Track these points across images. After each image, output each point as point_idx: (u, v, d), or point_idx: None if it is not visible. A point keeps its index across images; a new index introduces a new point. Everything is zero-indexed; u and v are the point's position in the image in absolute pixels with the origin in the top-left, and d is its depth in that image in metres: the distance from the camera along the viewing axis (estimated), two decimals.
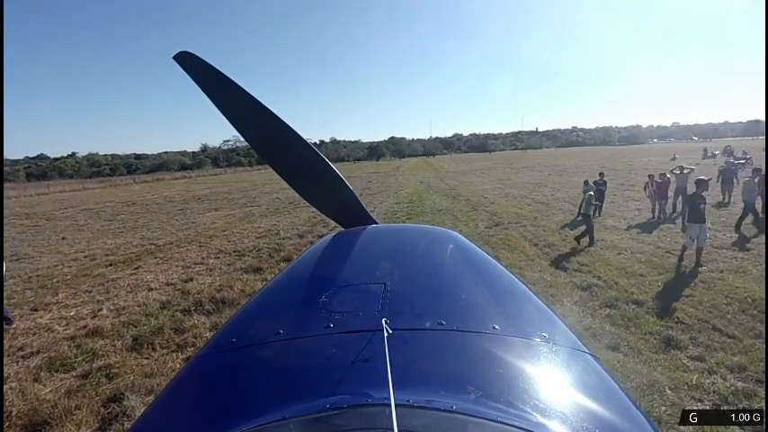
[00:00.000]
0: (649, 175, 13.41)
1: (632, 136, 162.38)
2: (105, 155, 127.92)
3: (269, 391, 0.95)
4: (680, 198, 12.27)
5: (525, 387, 0.89)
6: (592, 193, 10.59)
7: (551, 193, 19.86)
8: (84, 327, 6.40)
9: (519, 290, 1.52)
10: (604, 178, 14.35)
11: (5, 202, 33.07)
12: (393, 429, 0.64)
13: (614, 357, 4.68)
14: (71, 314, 7.08)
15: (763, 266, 7.33)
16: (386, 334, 1.00)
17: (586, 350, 1.14)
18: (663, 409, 3.78)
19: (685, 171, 12.47)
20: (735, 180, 14.47)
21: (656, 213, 12.50)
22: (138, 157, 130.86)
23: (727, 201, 14.36)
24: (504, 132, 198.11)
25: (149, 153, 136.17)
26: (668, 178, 12.46)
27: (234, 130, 2.30)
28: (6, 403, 4.35)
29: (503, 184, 25.82)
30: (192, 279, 8.73)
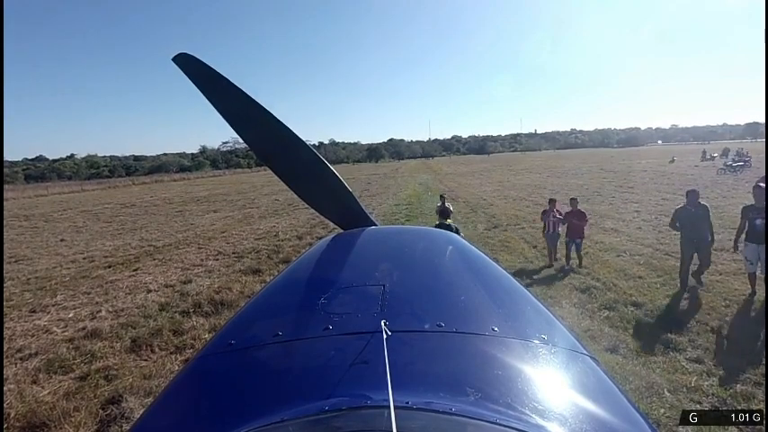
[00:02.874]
0: (550, 200, 9.12)
1: (631, 138, 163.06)
2: (104, 156, 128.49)
3: (268, 392, 0.95)
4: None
5: (524, 389, 0.89)
6: None
7: (550, 195, 19.90)
8: (83, 328, 6.39)
9: (517, 291, 1.52)
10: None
11: (4, 203, 33.00)
12: (392, 431, 0.64)
13: (613, 359, 4.68)
14: (69, 316, 7.06)
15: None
16: (385, 336, 1.00)
17: (585, 352, 1.14)
18: (662, 411, 3.78)
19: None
20: None
21: (554, 256, 8.69)
22: (136, 158, 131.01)
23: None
24: (503, 134, 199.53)
25: (148, 155, 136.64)
26: (578, 210, 8.35)
27: (233, 131, 2.30)
28: (5, 405, 4.33)
29: (502, 186, 25.85)
30: (190, 281, 8.72)
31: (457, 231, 5.85)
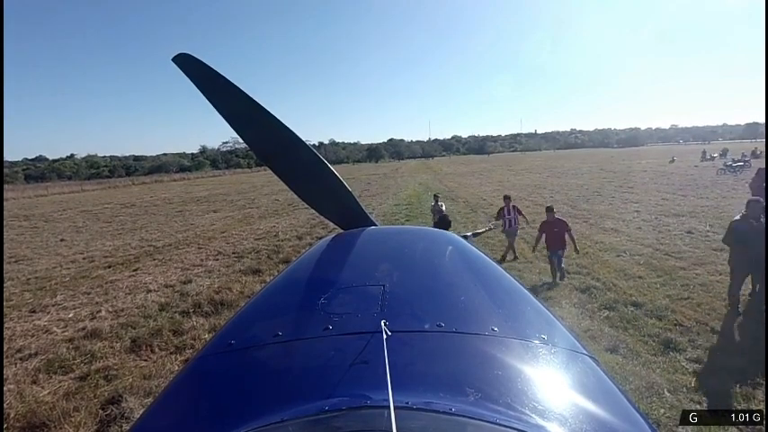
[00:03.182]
0: (505, 197, 9.36)
1: (631, 138, 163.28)
2: (104, 156, 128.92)
3: (268, 393, 0.95)
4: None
5: (524, 389, 0.89)
6: None
7: (550, 195, 19.88)
8: (83, 329, 6.39)
9: (517, 292, 1.52)
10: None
11: (4, 203, 32.99)
12: (392, 431, 0.64)
13: (613, 359, 4.68)
14: (69, 316, 7.06)
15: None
16: (385, 336, 1.00)
17: (585, 352, 1.14)
18: (662, 411, 3.78)
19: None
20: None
21: (514, 251, 9.09)
22: (136, 158, 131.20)
23: None
24: (503, 134, 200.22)
25: (148, 155, 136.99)
26: (557, 219, 7.58)
27: (233, 131, 2.30)
28: (5, 405, 4.33)
29: (502, 186, 25.82)
30: (190, 281, 8.71)
31: (465, 238, 5.56)
